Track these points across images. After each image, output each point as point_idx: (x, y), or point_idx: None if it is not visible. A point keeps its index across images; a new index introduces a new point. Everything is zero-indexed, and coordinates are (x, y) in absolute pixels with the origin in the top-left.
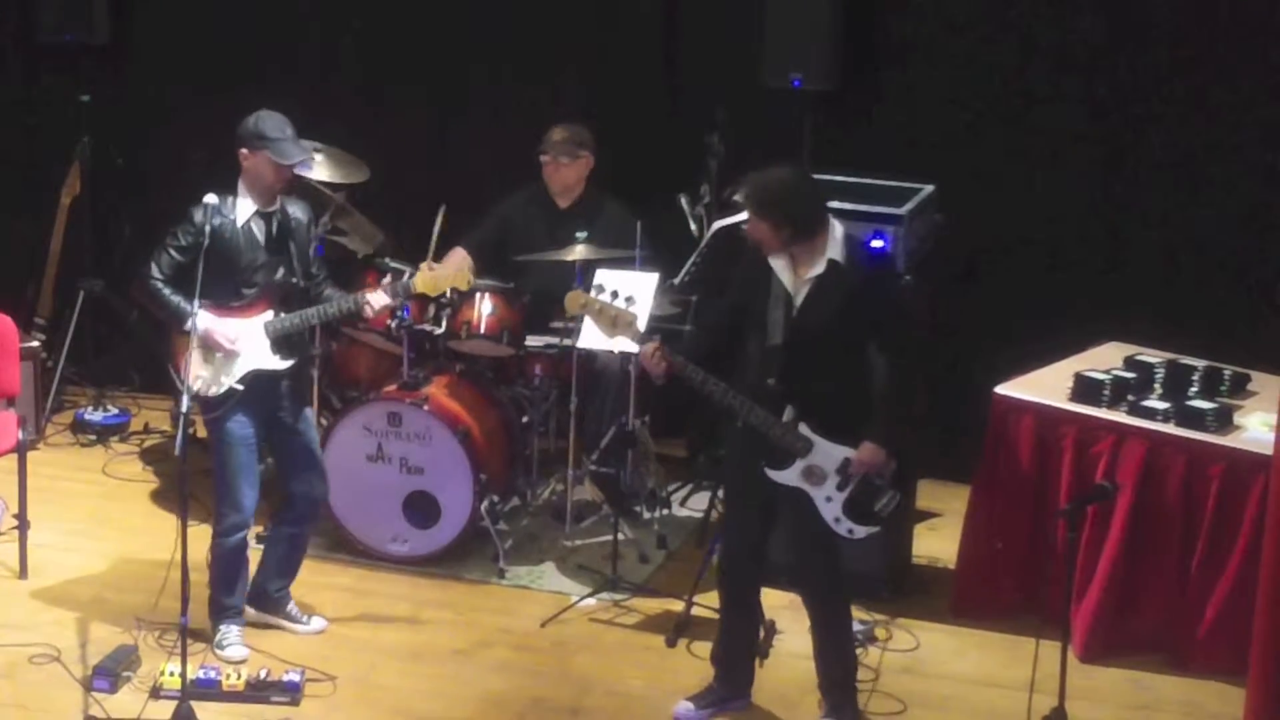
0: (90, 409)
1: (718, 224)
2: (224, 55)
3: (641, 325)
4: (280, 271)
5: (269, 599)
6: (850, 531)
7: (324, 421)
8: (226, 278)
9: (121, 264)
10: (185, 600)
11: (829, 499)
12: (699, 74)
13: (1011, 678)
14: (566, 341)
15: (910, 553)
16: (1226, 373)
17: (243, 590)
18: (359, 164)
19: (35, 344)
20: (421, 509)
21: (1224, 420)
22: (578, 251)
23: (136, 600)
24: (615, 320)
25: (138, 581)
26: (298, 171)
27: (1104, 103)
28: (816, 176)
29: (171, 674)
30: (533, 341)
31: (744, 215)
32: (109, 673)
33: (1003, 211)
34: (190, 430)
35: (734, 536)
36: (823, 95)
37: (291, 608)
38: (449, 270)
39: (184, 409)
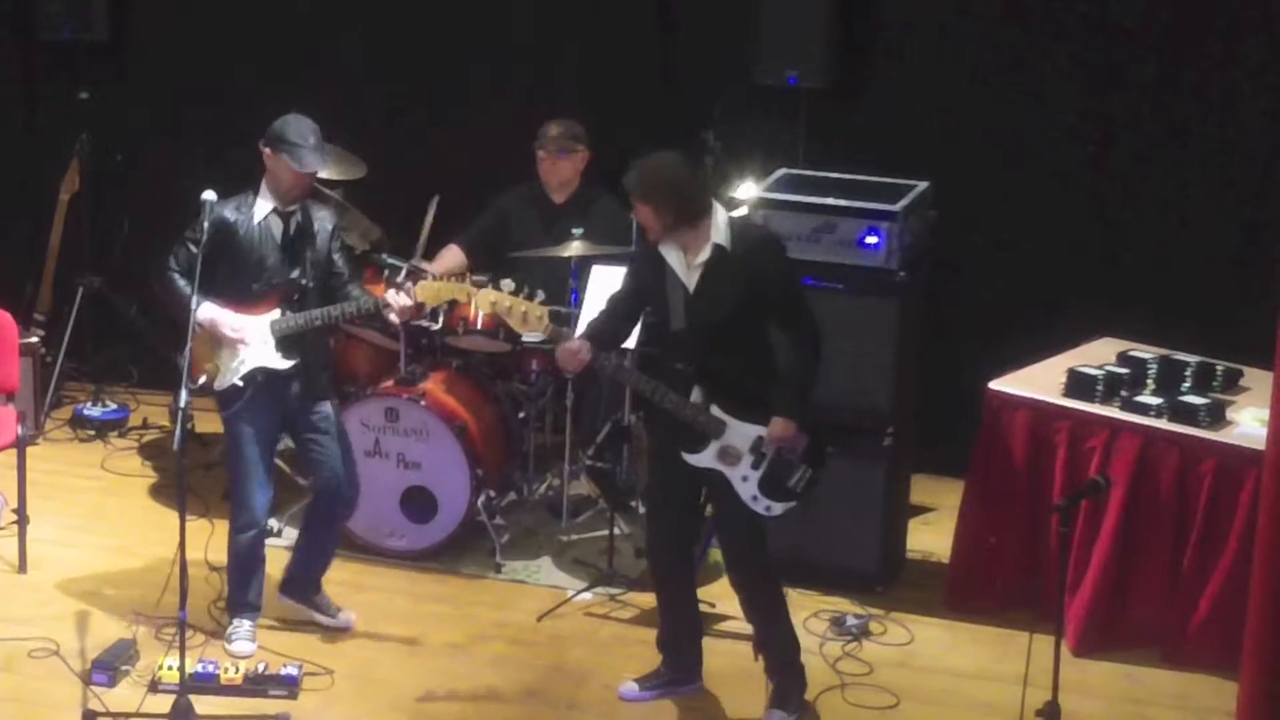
0: (89, 404)
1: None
2: (222, 52)
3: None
4: (293, 272)
5: (298, 588)
6: (768, 509)
7: None
8: (238, 274)
9: (120, 260)
10: (183, 594)
11: (745, 478)
12: (695, 71)
13: (1005, 671)
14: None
15: (904, 547)
16: (1219, 368)
17: (258, 587)
18: (356, 160)
19: (34, 340)
20: (419, 504)
21: (1216, 416)
22: (574, 248)
23: (135, 594)
24: (525, 317)
25: (136, 576)
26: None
27: (1097, 99)
28: (805, 172)
29: (170, 668)
30: (529, 337)
31: (741, 212)
32: (108, 666)
33: (996, 208)
34: (189, 425)
35: (656, 527)
36: (818, 92)
37: (321, 599)
38: (451, 283)
39: (182, 404)
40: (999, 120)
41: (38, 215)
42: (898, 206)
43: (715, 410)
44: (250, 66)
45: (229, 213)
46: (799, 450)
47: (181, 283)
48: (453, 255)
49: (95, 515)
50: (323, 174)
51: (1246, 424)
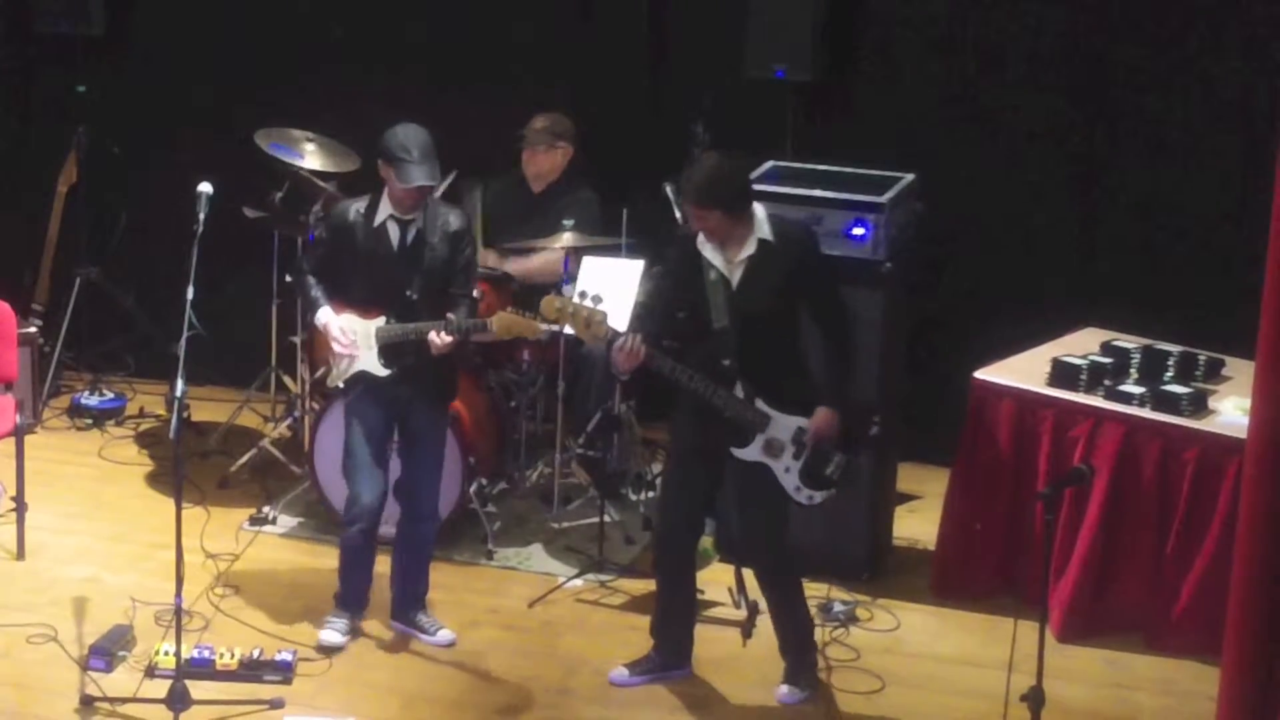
0: (87, 393)
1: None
2: (219, 45)
3: (615, 318)
4: (402, 281)
5: (399, 610)
6: (810, 498)
7: (315, 406)
8: (354, 276)
9: (117, 252)
10: (179, 581)
11: (787, 469)
12: (684, 64)
13: (990, 657)
14: (554, 327)
15: (891, 535)
16: (1201, 358)
17: (360, 585)
18: (349, 153)
19: (33, 330)
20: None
21: (1199, 405)
22: (564, 239)
23: (132, 581)
24: (588, 321)
25: (133, 562)
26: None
27: (1081, 92)
28: (793, 164)
29: (166, 653)
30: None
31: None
32: (105, 652)
33: (982, 200)
34: (185, 414)
35: (672, 514)
36: (805, 86)
37: (420, 617)
38: (525, 320)
39: (179, 393)
40: (984, 113)
41: (36, 207)
42: (884, 198)
43: (760, 404)
44: (247, 59)
45: (351, 213)
46: (836, 440)
47: (310, 283)
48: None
49: (93, 503)
50: (315, 167)
51: (1228, 413)
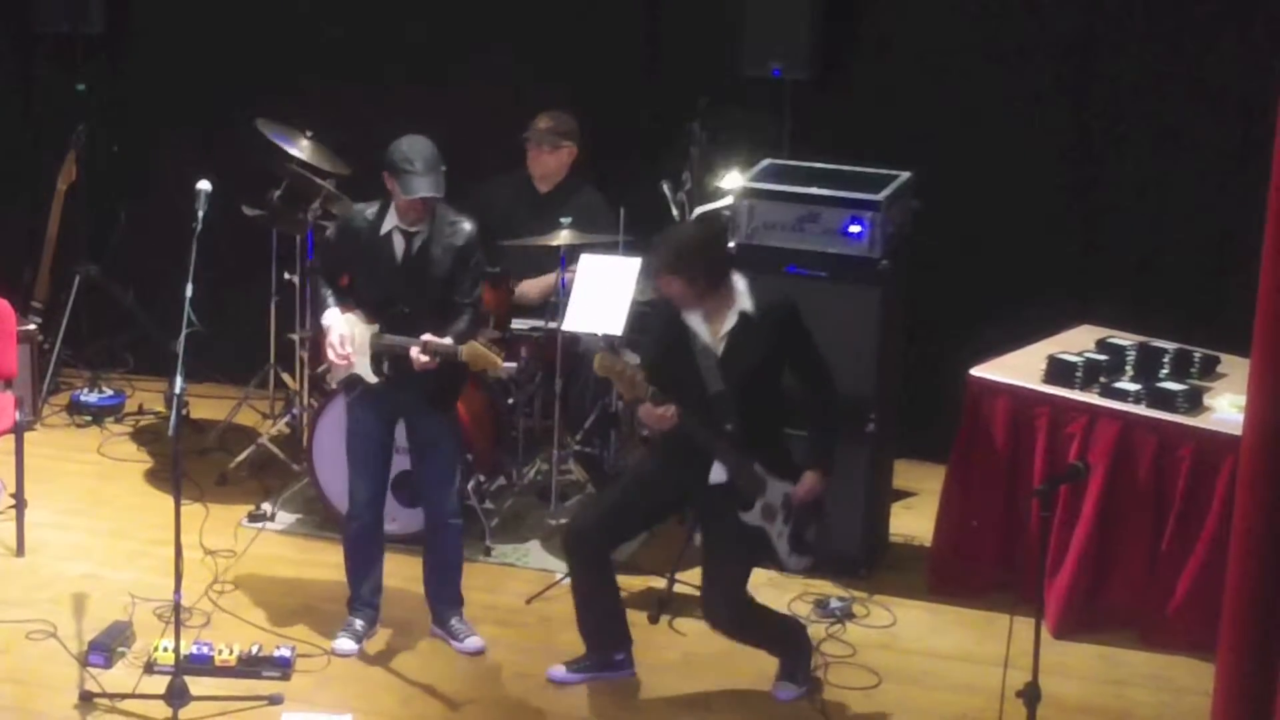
0: (86, 391)
1: (699, 210)
2: (217, 44)
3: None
4: (401, 292)
5: (434, 615)
6: (799, 563)
7: (314, 404)
8: (359, 280)
9: (116, 250)
10: (178, 577)
11: (779, 534)
12: (681, 62)
13: (986, 653)
14: (551, 325)
15: (887, 531)
16: (1196, 355)
17: (371, 585)
18: (348, 150)
19: (32, 327)
20: (410, 488)
21: (1194, 401)
22: (561, 237)
23: (131, 577)
24: (632, 382)
25: (132, 559)
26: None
27: (1077, 90)
28: (789, 162)
29: (165, 649)
30: (518, 325)
31: (726, 202)
32: (104, 648)
33: (978, 197)
34: (184, 411)
35: (602, 514)
36: (802, 84)
37: (453, 622)
38: (490, 355)
39: (177, 390)
40: (981, 111)
41: (36, 205)
42: (880, 196)
43: (758, 468)
44: (245, 58)
45: (359, 219)
46: (819, 503)
47: (320, 282)
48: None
49: (92, 499)
50: (313, 164)
51: (1223, 410)
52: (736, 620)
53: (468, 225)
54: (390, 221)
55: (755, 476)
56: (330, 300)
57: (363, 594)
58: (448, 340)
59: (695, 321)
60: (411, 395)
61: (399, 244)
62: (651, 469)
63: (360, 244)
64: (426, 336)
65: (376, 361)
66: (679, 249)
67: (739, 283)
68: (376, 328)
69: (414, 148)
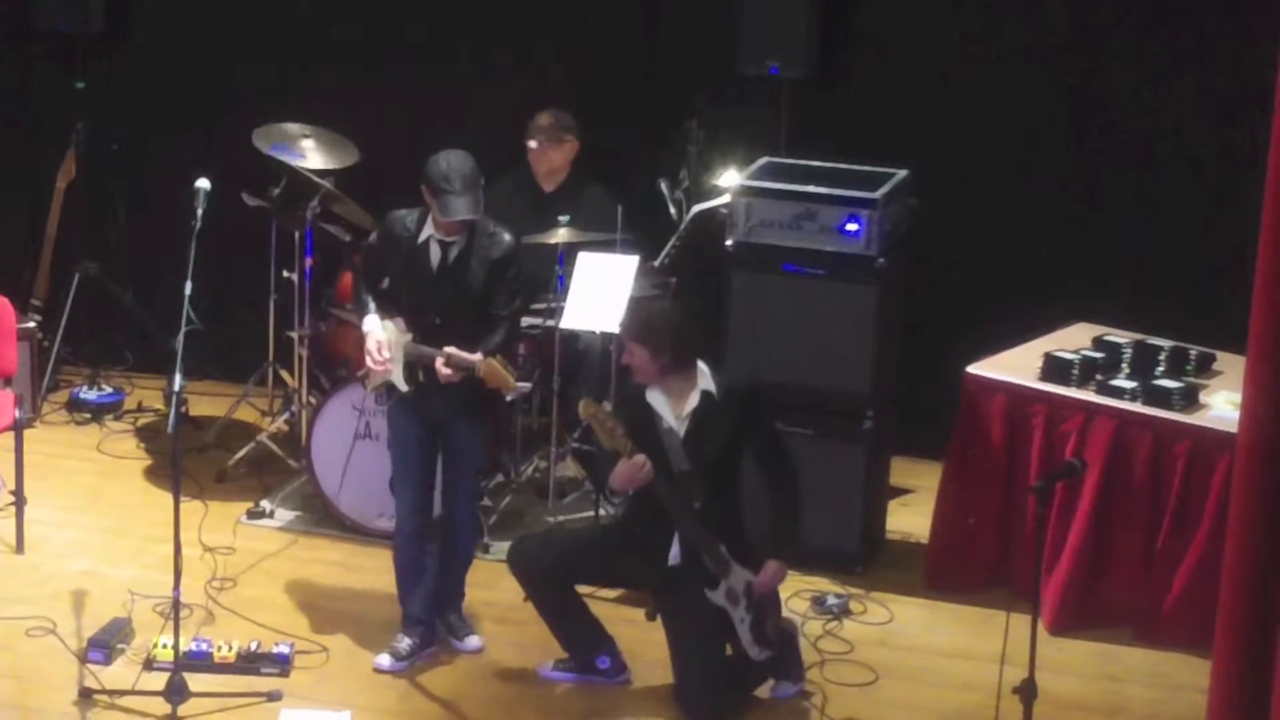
0: (85, 388)
1: (696, 208)
2: (217, 42)
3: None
4: (433, 302)
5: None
6: (760, 654)
7: (313, 400)
8: (395, 287)
9: (115, 247)
10: (177, 574)
11: (742, 620)
12: (678, 61)
13: (983, 650)
14: (550, 323)
15: (884, 528)
16: (1192, 353)
17: (420, 602)
18: (348, 148)
19: (32, 325)
20: None
21: (1190, 399)
22: (560, 235)
23: (130, 574)
24: (613, 433)
25: (132, 556)
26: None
27: (1074, 88)
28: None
29: (164, 646)
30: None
31: (723, 200)
32: (103, 645)
33: (975, 196)
34: (183, 409)
35: (555, 547)
36: (799, 82)
37: (452, 618)
38: (505, 374)
39: (176, 388)
40: (977, 109)
41: (35, 204)
42: (877, 194)
43: (723, 549)
44: (245, 56)
45: (399, 227)
46: (776, 595)
47: (361, 286)
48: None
49: (91, 497)
50: (313, 162)
51: (1219, 407)
52: (718, 711)
53: (506, 237)
54: (428, 230)
55: (721, 557)
56: (371, 306)
57: (411, 611)
58: (472, 354)
59: (657, 399)
60: (445, 403)
61: (435, 254)
62: (613, 530)
63: (400, 251)
64: (450, 349)
65: (409, 370)
66: (650, 320)
67: (703, 367)
68: (410, 336)
69: (452, 165)
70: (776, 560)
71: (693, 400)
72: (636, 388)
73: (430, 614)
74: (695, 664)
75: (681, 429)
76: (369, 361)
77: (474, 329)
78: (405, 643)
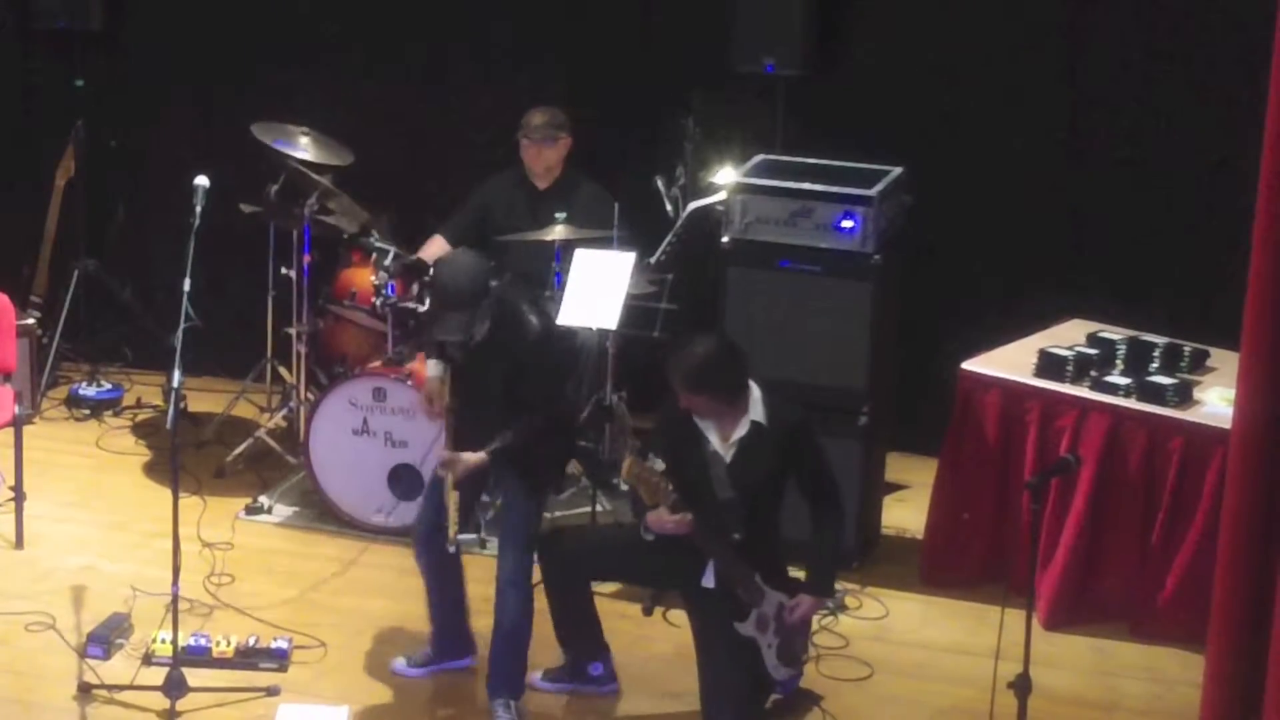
0: (84, 384)
1: (692, 205)
2: (215, 40)
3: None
4: (459, 393)
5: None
6: (784, 675)
7: (310, 397)
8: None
9: (115, 244)
10: (176, 570)
11: (769, 645)
12: (673, 58)
13: (978, 644)
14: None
15: (879, 523)
16: (1186, 349)
17: (439, 617)
18: (345, 149)
19: (31, 321)
20: (405, 481)
21: (1184, 395)
22: (557, 232)
23: (129, 569)
24: (656, 490)
25: (130, 551)
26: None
27: (1069, 85)
28: (782, 158)
29: (163, 641)
30: None
31: (719, 197)
32: (102, 640)
33: (970, 193)
34: (181, 405)
35: (588, 539)
36: (794, 79)
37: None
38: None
39: (175, 384)
40: (973, 107)
41: (35, 200)
42: (873, 191)
43: (758, 579)
44: (243, 54)
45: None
46: (808, 625)
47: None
48: (438, 245)
49: (90, 492)
50: (310, 160)
51: (1213, 403)
52: None
53: (532, 325)
54: None
55: (755, 588)
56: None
57: (438, 628)
58: (474, 456)
59: (708, 428)
60: (498, 470)
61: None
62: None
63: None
64: (446, 454)
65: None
66: (700, 371)
67: (755, 391)
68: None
69: (446, 279)
70: (813, 596)
71: (742, 428)
72: (683, 410)
73: (452, 639)
74: (724, 694)
75: (728, 455)
76: (423, 408)
77: (500, 421)
78: (421, 654)
